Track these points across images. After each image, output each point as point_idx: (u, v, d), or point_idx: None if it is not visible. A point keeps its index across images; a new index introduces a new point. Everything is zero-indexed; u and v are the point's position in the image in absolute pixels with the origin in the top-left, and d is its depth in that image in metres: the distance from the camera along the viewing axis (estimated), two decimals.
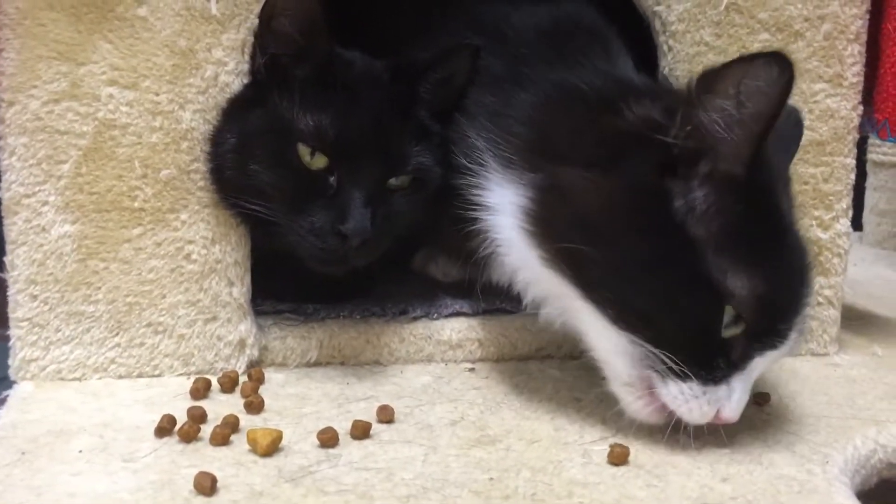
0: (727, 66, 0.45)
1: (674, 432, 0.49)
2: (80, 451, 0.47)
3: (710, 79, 0.45)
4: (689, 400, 0.46)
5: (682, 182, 0.47)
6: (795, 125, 0.58)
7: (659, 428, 0.50)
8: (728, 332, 0.46)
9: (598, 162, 0.49)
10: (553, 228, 0.49)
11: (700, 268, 0.46)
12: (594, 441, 0.50)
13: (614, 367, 0.49)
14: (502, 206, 0.52)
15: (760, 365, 0.48)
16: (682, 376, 0.46)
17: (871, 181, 1.17)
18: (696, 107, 0.45)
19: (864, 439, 0.52)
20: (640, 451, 0.48)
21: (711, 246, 0.46)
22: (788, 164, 0.56)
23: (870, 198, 1.17)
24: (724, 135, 0.45)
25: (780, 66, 0.43)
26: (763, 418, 0.54)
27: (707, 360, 0.46)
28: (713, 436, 0.50)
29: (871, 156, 1.13)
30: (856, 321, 0.77)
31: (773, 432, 0.52)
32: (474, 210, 0.54)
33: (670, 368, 0.46)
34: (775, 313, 0.47)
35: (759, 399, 0.57)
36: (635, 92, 0.51)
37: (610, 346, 0.48)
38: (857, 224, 1.21)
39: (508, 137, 0.54)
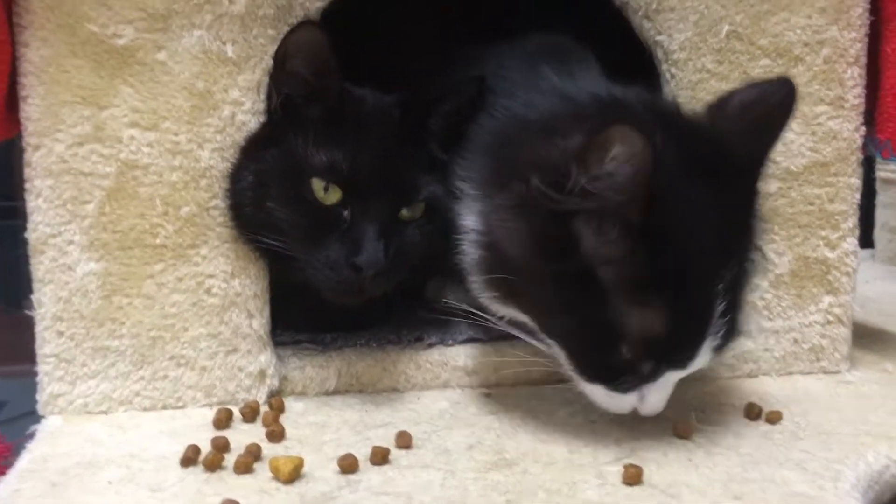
0: (592, 140, 0.48)
1: (687, 452, 0.51)
2: (109, 483, 0.48)
3: (582, 151, 0.48)
4: (603, 398, 0.53)
5: (589, 227, 0.50)
6: (783, 103, 0.56)
7: (672, 447, 0.52)
8: (627, 357, 0.50)
9: (520, 199, 0.52)
10: (487, 258, 0.54)
11: (600, 306, 0.50)
12: (608, 462, 0.51)
13: (563, 366, 0.54)
14: (466, 232, 0.56)
15: (674, 377, 0.52)
16: (596, 380, 0.53)
17: (880, 199, 1.17)
18: (579, 174, 0.48)
19: (876, 455, 0.53)
20: (653, 472, 0.49)
21: (612, 287, 0.49)
22: (768, 146, 0.57)
23: (880, 215, 1.18)
24: (610, 198, 0.48)
25: (632, 139, 0.46)
26: (775, 437, 0.55)
27: (613, 376, 0.52)
28: (725, 456, 0.51)
29: (880, 173, 1.14)
30: (867, 338, 0.78)
31: (786, 450, 0.53)
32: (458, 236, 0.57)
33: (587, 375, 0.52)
34: (673, 348, 0.51)
35: (772, 417, 0.58)
36: (574, 120, 0.53)
37: (555, 352, 0.54)
38: (868, 241, 1.22)
39: (476, 168, 0.57)
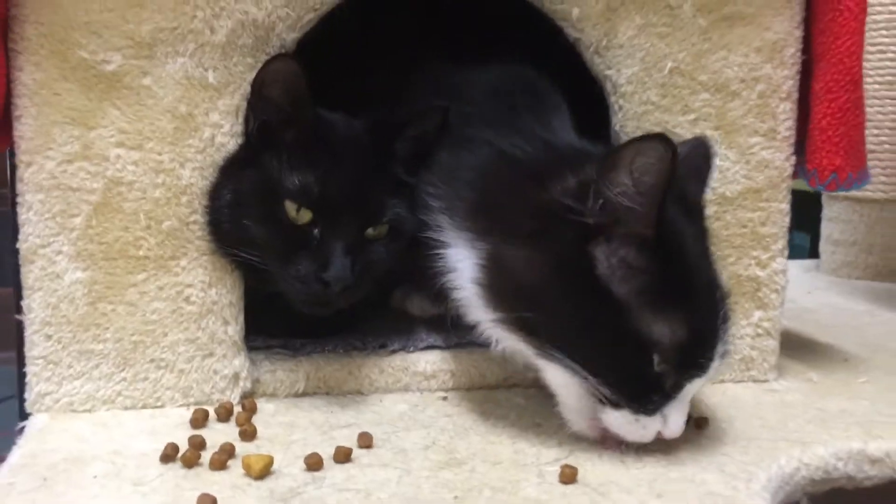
0: (622, 148, 0.53)
1: (619, 454, 0.57)
2: (95, 477, 0.53)
3: (611, 159, 0.53)
4: (626, 425, 0.55)
5: (603, 248, 0.54)
6: (706, 155, 0.64)
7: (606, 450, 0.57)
8: (658, 369, 0.54)
9: (531, 234, 0.56)
10: (500, 297, 0.57)
11: (627, 323, 0.54)
12: (549, 462, 0.56)
13: (566, 397, 0.57)
14: (461, 266, 0.59)
15: (692, 390, 0.56)
16: (630, 404, 0.55)
17: (825, 213, 1.25)
18: (602, 184, 0.53)
19: (788, 459, 0.59)
20: (588, 471, 0.55)
21: (634, 303, 0.54)
22: (702, 192, 0.64)
23: (825, 228, 1.25)
24: (628, 205, 0.53)
25: (664, 144, 0.51)
26: (701, 441, 0.61)
27: (643, 394, 0.55)
28: (654, 458, 0.57)
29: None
30: (799, 348, 0.84)
31: (708, 454, 0.59)
32: (440, 258, 0.61)
33: (611, 400, 0.54)
34: (695, 351, 0.55)
35: (699, 423, 0.63)
36: (562, 163, 0.58)
37: (561, 382, 0.57)
38: (815, 253, 1.29)
39: (457, 202, 0.61)
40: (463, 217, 0.60)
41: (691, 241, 0.57)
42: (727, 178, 0.71)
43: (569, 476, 0.54)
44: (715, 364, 0.56)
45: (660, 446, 0.59)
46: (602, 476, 0.55)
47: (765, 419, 0.65)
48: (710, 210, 0.70)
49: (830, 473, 0.60)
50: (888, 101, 1.14)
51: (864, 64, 1.08)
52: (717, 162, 0.66)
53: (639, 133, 0.68)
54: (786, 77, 0.70)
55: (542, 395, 0.65)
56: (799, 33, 0.70)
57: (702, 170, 0.64)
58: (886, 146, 1.15)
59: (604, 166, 0.53)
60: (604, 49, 0.68)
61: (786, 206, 0.72)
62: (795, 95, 0.71)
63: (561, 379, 0.56)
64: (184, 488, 0.51)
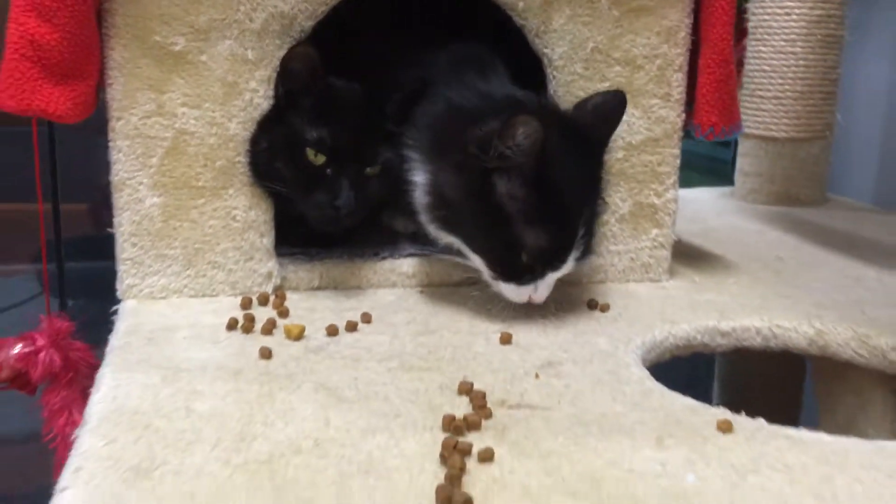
0: (513, 119, 0.74)
1: (544, 324, 0.82)
2: (184, 338, 0.77)
3: (506, 126, 0.75)
4: (509, 290, 0.81)
5: (499, 180, 0.78)
6: (619, 104, 0.86)
7: (535, 323, 0.83)
8: (527, 262, 0.80)
9: (457, 163, 0.80)
10: (434, 205, 0.82)
11: (509, 231, 0.79)
12: (493, 331, 0.81)
13: (483, 273, 0.83)
14: (418, 187, 0.83)
15: (553, 276, 0.81)
16: (506, 279, 0.81)
17: (739, 149, 1.49)
18: (499, 142, 0.76)
19: (660, 331, 0.84)
20: (520, 337, 0.80)
21: (514, 218, 0.78)
22: (609, 133, 0.87)
23: (739, 162, 1.49)
24: (514, 156, 0.76)
25: (537, 122, 0.74)
26: (602, 319, 0.86)
27: (518, 274, 0.81)
28: (566, 329, 0.83)
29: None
30: (694, 258, 1.09)
31: (604, 326, 0.84)
32: (412, 188, 0.85)
33: (501, 277, 0.81)
34: (552, 254, 0.80)
35: (603, 308, 0.89)
36: (490, 110, 0.81)
37: (477, 263, 0.83)
38: (731, 181, 1.54)
39: (420, 141, 0.85)
40: (421, 151, 0.84)
41: (572, 174, 0.81)
42: (633, 130, 0.94)
43: (506, 339, 0.79)
44: (570, 262, 0.81)
45: (571, 322, 0.84)
46: (529, 340, 0.80)
47: (651, 306, 0.91)
48: (620, 154, 0.94)
49: (691, 342, 0.86)
50: (791, 55, 1.36)
51: (772, 23, 1.33)
52: (625, 110, 0.88)
53: (568, 97, 0.91)
54: (678, 54, 0.94)
55: (492, 290, 0.91)
56: (689, 21, 0.93)
57: (611, 116, 0.87)
58: (788, 93, 1.37)
59: (501, 130, 0.76)
60: (542, 33, 0.91)
61: (677, 151, 0.96)
62: (685, 68, 0.94)
63: (474, 262, 0.83)
64: (246, 346, 0.76)
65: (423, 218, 0.85)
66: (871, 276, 1.04)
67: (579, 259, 0.83)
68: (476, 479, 0.55)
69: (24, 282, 2.25)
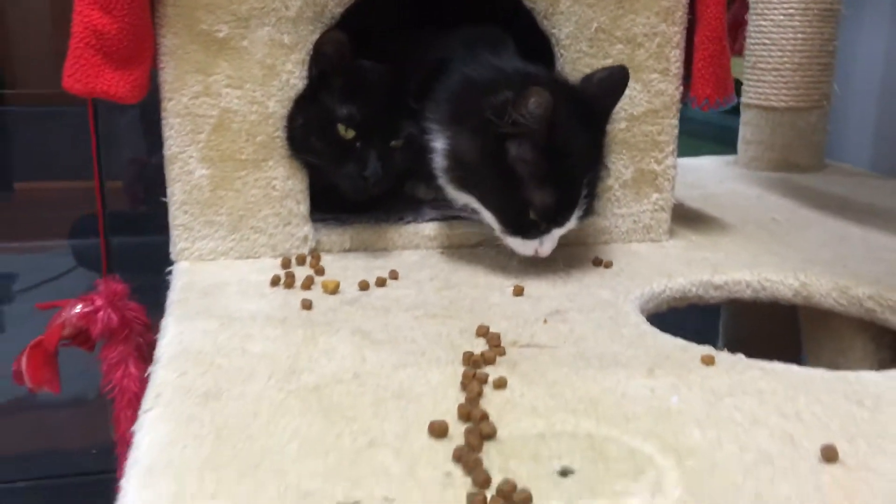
0: (527, 91, 0.82)
1: (553, 277, 0.92)
2: (234, 293, 0.87)
3: (521, 97, 0.84)
4: (517, 244, 0.90)
5: (513, 144, 0.87)
6: (622, 78, 0.93)
7: (545, 278, 0.92)
8: (533, 218, 0.89)
9: (472, 129, 0.89)
10: (452, 166, 0.91)
11: (518, 191, 0.88)
12: (507, 285, 0.91)
13: (495, 229, 0.92)
14: (436, 151, 0.92)
15: (558, 232, 0.90)
16: (515, 234, 0.90)
17: (742, 118, 1.57)
18: (513, 110, 0.85)
19: (659, 283, 0.93)
20: (532, 289, 0.89)
21: (524, 180, 0.87)
22: (613, 104, 0.95)
23: (741, 130, 1.57)
24: (527, 123, 0.85)
25: (547, 93, 0.83)
26: (605, 274, 0.96)
27: (525, 230, 0.90)
28: (573, 283, 0.92)
29: (743, 99, 1.53)
30: (693, 220, 1.18)
31: (607, 280, 0.93)
32: (431, 152, 0.94)
33: (510, 231, 0.90)
34: (557, 213, 0.89)
35: (607, 264, 0.98)
36: (502, 82, 0.89)
37: (489, 219, 0.92)
38: (734, 150, 1.62)
39: (438, 112, 0.93)
40: (440, 121, 0.93)
41: (578, 141, 0.89)
42: (634, 102, 1.03)
43: (518, 291, 0.89)
44: (573, 221, 0.90)
45: (577, 277, 0.94)
46: (540, 291, 0.90)
47: (651, 263, 1.00)
48: (622, 125, 1.03)
49: (686, 294, 0.95)
50: (789, 28, 1.44)
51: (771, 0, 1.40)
52: (628, 83, 0.96)
53: (574, 73, 1.00)
54: (676, 32, 1.02)
55: (506, 251, 1.00)
56: (685, 1, 1.01)
57: (615, 89, 0.95)
58: (787, 65, 1.45)
59: (516, 99, 0.85)
60: (550, 15, 0.99)
61: (675, 122, 1.05)
62: (683, 45, 1.03)
63: (487, 219, 0.92)
64: (289, 299, 0.86)
65: (442, 180, 0.94)
66: (857, 234, 1.12)
67: (582, 218, 0.92)
68: (491, 401, 0.65)
69: (59, 257, 2.38)
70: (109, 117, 1.89)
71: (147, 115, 1.94)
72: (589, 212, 0.93)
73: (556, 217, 0.90)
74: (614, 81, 0.95)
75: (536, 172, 0.87)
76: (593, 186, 0.93)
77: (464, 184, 0.92)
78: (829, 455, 0.57)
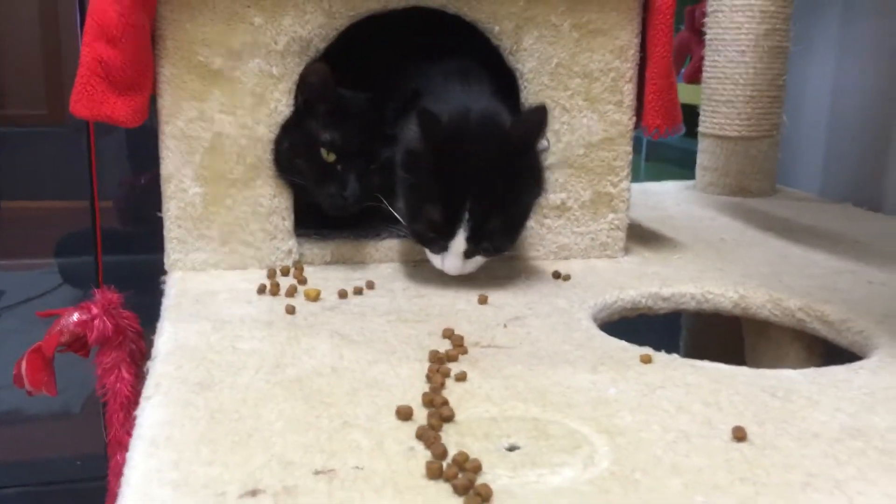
0: (418, 116, 0.93)
1: (514, 288, 1.01)
2: (224, 299, 0.96)
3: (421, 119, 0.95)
4: (430, 256, 1.00)
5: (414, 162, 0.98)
6: (541, 117, 0.98)
7: (509, 287, 1.02)
8: (432, 235, 0.98)
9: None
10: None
11: (423, 206, 0.97)
12: (473, 294, 1.00)
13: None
14: None
15: (455, 250, 0.97)
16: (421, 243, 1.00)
17: (699, 146, 1.68)
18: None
19: (610, 295, 1.03)
20: (494, 298, 0.98)
21: (422, 194, 0.97)
22: (533, 139, 0.99)
23: (699, 157, 1.68)
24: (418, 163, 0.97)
25: (424, 118, 0.93)
26: (563, 286, 1.05)
27: (432, 243, 0.99)
28: (533, 293, 1.02)
29: (700, 128, 1.65)
30: (647, 239, 1.28)
31: (564, 291, 1.03)
32: None
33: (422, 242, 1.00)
34: (445, 229, 0.96)
35: (565, 277, 1.07)
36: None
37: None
38: (692, 176, 1.73)
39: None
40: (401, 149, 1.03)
41: (466, 168, 0.95)
42: (592, 131, 1.13)
43: (483, 300, 0.98)
44: (458, 242, 0.96)
45: (537, 288, 1.04)
46: (502, 300, 0.99)
47: (606, 277, 1.09)
48: (581, 151, 1.13)
49: (636, 305, 1.05)
50: (741, 64, 1.55)
51: (725, 36, 1.52)
52: (547, 120, 1.01)
53: (537, 103, 1.10)
54: (628, 68, 1.13)
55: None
56: (637, 41, 1.12)
57: (534, 126, 0.98)
58: (740, 97, 1.56)
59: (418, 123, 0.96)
60: (515, 51, 1.10)
61: (629, 149, 1.15)
62: (635, 79, 1.14)
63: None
64: (274, 305, 0.95)
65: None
66: (796, 253, 1.23)
67: (483, 243, 0.97)
68: (452, 391, 0.74)
69: (45, 274, 2.45)
70: (96, 140, 1.97)
71: (132, 139, 2.03)
72: (495, 242, 0.98)
73: (440, 231, 0.97)
74: (534, 119, 0.99)
75: (427, 189, 0.96)
76: (488, 215, 0.95)
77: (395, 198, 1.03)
78: (739, 435, 0.66)
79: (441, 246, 0.98)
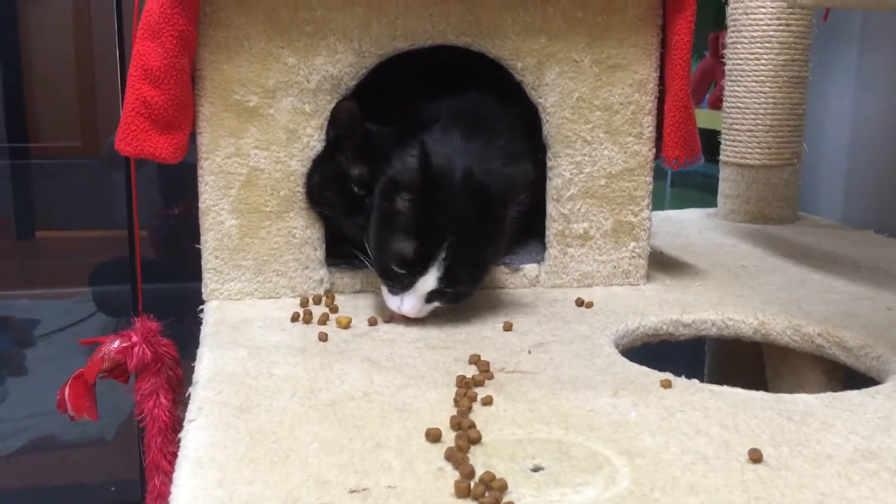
0: (402, 156, 0.96)
1: (537, 317, 1.05)
2: (259, 327, 1.00)
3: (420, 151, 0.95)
4: (385, 295, 0.99)
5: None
6: (514, 179, 1.02)
7: (532, 317, 1.05)
8: (397, 270, 0.96)
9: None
10: None
11: (390, 237, 0.97)
12: (498, 321, 1.03)
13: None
14: None
15: (419, 290, 0.96)
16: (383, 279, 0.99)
17: (721, 175, 1.71)
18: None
19: (633, 321, 1.06)
20: (518, 325, 1.02)
21: (397, 227, 0.97)
22: (511, 196, 1.01)
23: (720, 186, 1.71)
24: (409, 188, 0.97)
25: (423, 150, 0.94)
26: (586, 313, 1.08)
27: (394, 280, 0.98)
28: (557, 321, 1.05)
29: (721, 157, 1.68)
30: (669, 266, 1.31)
31: (586, 318, 1.06)
32: None
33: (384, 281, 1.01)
34: (414, 267, 0.95)
35: (588, 305, 1.11)
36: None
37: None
38: (714, 203, 1.76)
39: None
40: None
41: (444, 214, 0.96)
42: (613, 162, 1.17)
43: (507, 326, 1.01)
44: (428, 280, 0.95)
45: (560, 315, 1.07)
46: (526, 327, 1.02)
47: (627, 304, 1.13)
48: (602, 182, 1.17)
49: (658, 331, 1.07)
50: (761, 94, 1.59)
51: (744, 67, 1.56)
52: (524, 183, 1.04)
53: (559, 136, 1.14)
54: (648, 101, 1.16)
55: (497, 293, 1.13)
56: (656, 75, 1.16)
57: (511, 186, 1.01)
58: (760, 126, 1.60)
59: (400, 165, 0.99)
60: (537, 86, 1.14)
61: (650, 179, 1.19)
62: (654, 112, 1.17)
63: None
64: (307, 332, 0.99)
65: None
66: (816, 279, 1.25)
67: (452, 292, 0.98)
68: (478, 415, 0.77)
69: (78, 303, 2.52)
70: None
71: (164, 172, 2.10)
72: (461, 282, 0.98)
73: (413, 271, 0.95)
74: (512, 178, 1.03)
75: (405, 223, 0.96)
76: (463, 259, 0.96)
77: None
78: (755, 456, 0.69)
79: (405, 285, 0.96)
